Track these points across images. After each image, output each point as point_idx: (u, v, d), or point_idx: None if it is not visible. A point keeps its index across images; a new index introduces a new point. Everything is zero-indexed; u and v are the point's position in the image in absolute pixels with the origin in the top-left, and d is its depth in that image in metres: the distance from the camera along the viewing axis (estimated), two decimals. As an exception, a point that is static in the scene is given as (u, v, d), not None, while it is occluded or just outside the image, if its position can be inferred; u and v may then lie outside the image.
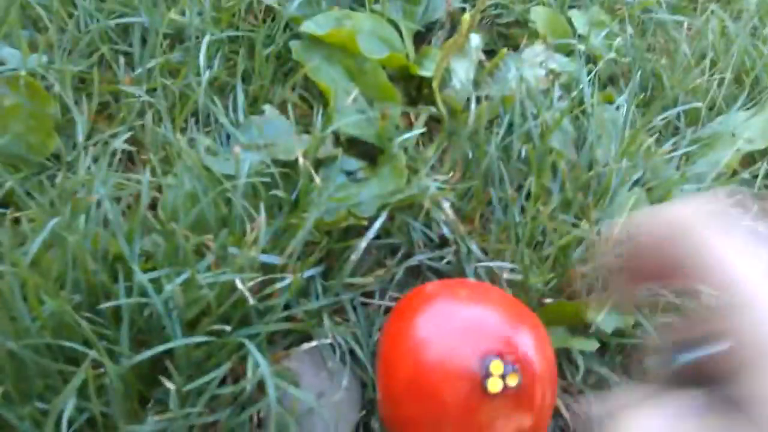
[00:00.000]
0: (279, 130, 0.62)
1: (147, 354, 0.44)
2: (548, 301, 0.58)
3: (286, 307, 0.53)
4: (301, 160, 0.55)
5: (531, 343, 0.49)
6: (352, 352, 0.56)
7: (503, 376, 0.46)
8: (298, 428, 0.49)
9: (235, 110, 0.65)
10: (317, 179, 0.55)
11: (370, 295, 0.60)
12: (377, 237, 0.58)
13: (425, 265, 0.60)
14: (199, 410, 0.44)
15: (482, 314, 0.50)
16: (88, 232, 0.48)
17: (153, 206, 0.56)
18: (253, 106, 0.66)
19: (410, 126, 0.68)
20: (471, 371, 0.46)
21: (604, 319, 0.58)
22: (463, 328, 0.48)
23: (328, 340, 0.53)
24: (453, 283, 0.55)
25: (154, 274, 0.48)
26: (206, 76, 0.61)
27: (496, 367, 0.46)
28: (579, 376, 0.56)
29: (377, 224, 0.55)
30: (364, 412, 0.55)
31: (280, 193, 0.55)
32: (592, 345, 0.57)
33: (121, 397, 0.43)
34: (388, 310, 0.59)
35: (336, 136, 0.64)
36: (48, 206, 0.51)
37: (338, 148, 0.63)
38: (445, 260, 0.59)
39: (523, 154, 0.65)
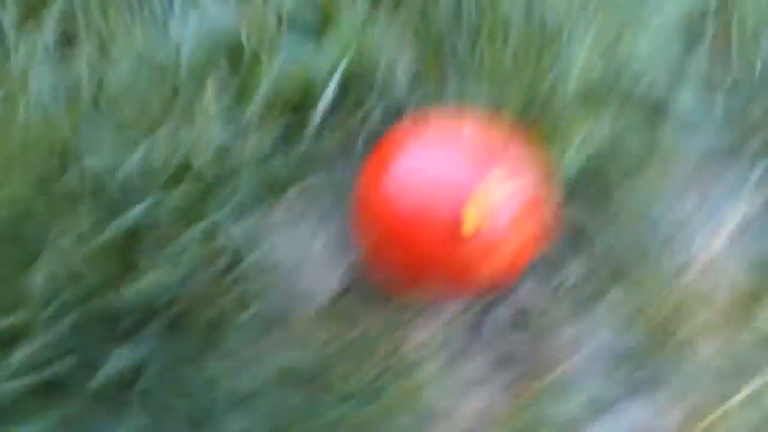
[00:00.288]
0: (219, 13, 0.60)
1: (112, 230, 0.44)
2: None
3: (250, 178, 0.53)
4: (243, 35, 0.54)
5: (504, 185, 0.50)
6: (326, 215, 0.56)
7: (477, 218, 0.47)
8: (280, 288, 0.50)
9: (170, -3, 0.62)
10: (264, 51, 0.53)
11: (338, 158, 0.59)
12: (334, 104, 0.58)
13: (389, 122, 0.59)
14: (185, 270, 0.44)
15: (454, 158, 0.50)
16: (30, 123, 0.47)
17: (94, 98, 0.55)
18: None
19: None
20: (446, 216, 0.47)
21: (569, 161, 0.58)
22: (435, 174, 0.49)
23: (299, 206, 0.53)
24: (424, 126, 0.54)
25: (105, 159, 0.47)
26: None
27: (471, 209, 0.46)
28: (551, 214, 0.57)
29: (332, 86, 0.55)
30: (346, 269, 0.56)
31: (224, 70, 0.54)
32: (562, 188, 0.58)
33: (96, 273, 0.43)
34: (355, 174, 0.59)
35: (278, 11, 0.62)
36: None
37: (280, 25, 0.61)
38: (407, 113, 0.59)
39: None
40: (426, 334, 0.54)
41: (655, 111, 0.67)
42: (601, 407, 0.52)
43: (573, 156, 0.60)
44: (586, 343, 0.55)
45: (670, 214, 0.63)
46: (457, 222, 0.46)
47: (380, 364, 0.53)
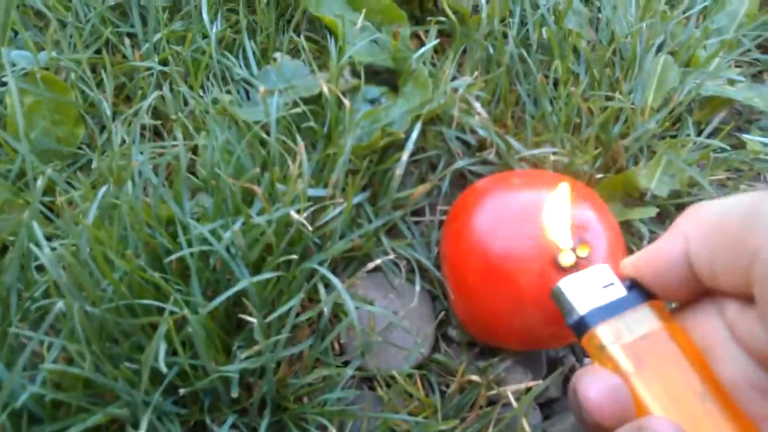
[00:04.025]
0: (295, 72, 0.62)
1: (222, 297, 0.44)
2: (599, 177, 0.57)
3: (341, 236, 0.53)
4: (325, 89, 0.55)
5: (593, 215, 0.49)
6: (413, 270, 0.56)
7: (573, 249, 0.46)
8: (377, 346, 0.50)
9: (247, 65, 0.65)
10: (347, 103, 0.54)
11: (419, 213, 0.60)
12: (414, 154, 0.58)
13: (468, 171, 0.60)
14: (286, 335, 0.44)
15: (540, 196, 0.49)
16: (137, 199, 0.48)
17: (191, 171, 0.56)
18: (264, 57, 0.66)
19: (421, 46, 0.68)
20: (542, 250, 0.46)
21: (657, 185, 0.57)
22: (523, 212, 0.48)
23: (391, 257, 0.52)
24: (503, 174, 0.55)
25: (210, 227, 0.48)
26: (214, 33, 0.61)
27: (567, 240, 0.46)
28: (644, 243, 0.55)
29: (413, 136, 0.55)
30: (437, 324, 0.55)
31: (312, 124, 0.55)
32: (651, 211, 0.56)
33: (205, 344, 0.43)
34: (440, 225, 0.59)
35: (352, 68, 0.63)
36: (90, 187, 0.52)
37: (357, 79, 0.62)
38: (487, 162, 0.59)
39: (542, 43, 0.64)
40: (525, 383, 0.52)
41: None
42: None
43: (661, 179, 0.59)
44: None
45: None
46: (554, 254, 0.45)
47: (481, 418, 0.51)
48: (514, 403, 0.50)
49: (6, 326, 0.44)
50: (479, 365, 0.53)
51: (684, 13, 0.68)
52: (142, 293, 0.44)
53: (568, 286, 0.35)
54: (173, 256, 0.46)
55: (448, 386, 0.53)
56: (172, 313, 0.42)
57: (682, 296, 0.33)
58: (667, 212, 0.59)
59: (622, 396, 0.29)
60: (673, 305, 0.35)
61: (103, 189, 0.46)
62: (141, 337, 0.43)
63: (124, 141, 0.57)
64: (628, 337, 0.32)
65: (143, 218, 0.48)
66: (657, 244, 0.33)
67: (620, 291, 0.34)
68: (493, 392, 0.51)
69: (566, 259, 0.45)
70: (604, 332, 0.32)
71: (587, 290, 0.34)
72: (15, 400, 0.40)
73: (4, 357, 0.43)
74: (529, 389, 0.51)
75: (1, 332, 0.44)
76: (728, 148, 0.62)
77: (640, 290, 0.33)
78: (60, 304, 0.40)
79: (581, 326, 0.34)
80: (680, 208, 0.60)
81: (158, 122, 0.60)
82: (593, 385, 0.30)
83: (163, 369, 0.38)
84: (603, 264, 0.36)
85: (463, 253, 0.50)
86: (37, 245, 0.42)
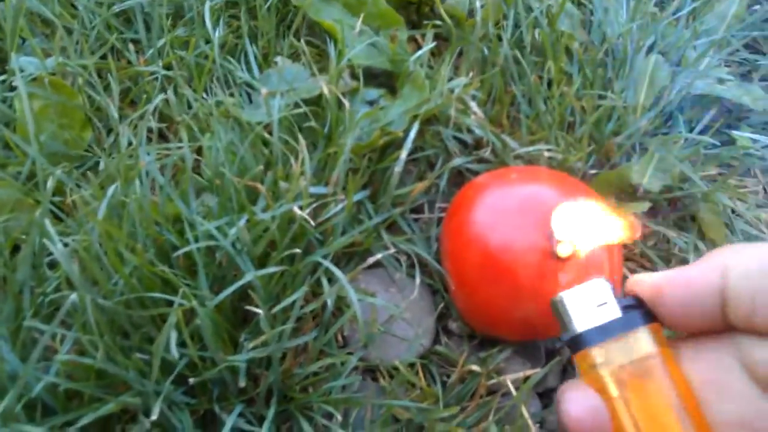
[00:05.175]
0: (296, 76, 0.64)
1: (230, 289, 0.46)
2: (592, 173, 0.59)
3: (343, 232, 0.55)
4: (326, 90, 0.57)
5: (592, 206, 0.50)
6: (413, 265, 0.57)
7: (571, 239, 0.47)
8: (379, 338, 0.51)
9: (249, 69, 0.66)
10: (347, 104, 0.56)
11: (418, 210, 0.61)
12: (413, 153, 0.60)
13: (465, 168, 0.61)
14: (291, 326, 0.45)
15: (537, 190, 0.51)
16: (144, 197, 0.50)
17: (195, 171, 0.58)
18: (265, 61, 0.67)
19: (418, 49, 0.69)
20: (539, 242, 0.47)
21: (649, 180, 0.59)
22: (522, 206, 0.50)
23: (391, 251, 0.54)
24: (501, 171, 0.56)
25: (215, 224, 0.50)
26: (217, 38, 0.62)
27: (564, 230, 0.47)
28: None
29: (411, 135, 0.57)
30: (437, 317, 0.56)
31: (313, 124, 0.56)
32: (644, 206, 0.58)
33: (213, 335, 0.45)
34: (439, 221, 0.60)
35: (351, 71, 0.65)
36: (99, 187, 0.53)
37: (356, 81, 0.64)
38: (483, 160, 0.61)
39: (536, 45, 0.66)
40: (523, 372, 0.54)
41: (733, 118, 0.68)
42: None
43: (653, 175, 0.60)
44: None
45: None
46: (550, 245, 0.47)
47: (481, 407, 0.52)
48: (514, 392, 0.52)
49: (20, 321, 0.45)
50: (479, 356, 0.54)
51: (674, 14, 0.70)
52: (151, 287, 0.46)
53: (567, 300, 0.35)
54: (181, 251, 0.47)
55: (449, 377, 0.54)
56: (181, 305, 0.43)
57: (700, 328, 0.32)
58: (660, 206, 0.60)
59: (602, 418, 0.30)
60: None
61: (113, 187, 0.47)
62: (151, 328, 0.45)
63: (130, 143, 0.59)
64: (619, 361, 0.31)
65: (151, 215, 0.49)
66: (686, 274, 0.31)
67: (619, 311, 0.33)
68: (493, 382, 0.53)
69: (564, 250, 0.47)
70: (598, 353, 0.32)
71: (586, 307, 0.34)
72: (30, 392, 0.42)
73: (18, 351, 0.44)
74: (527, 378, 0.52)
75: (15, 327, 0.45)
76: (718, 144, 0.64)
77: (640, 311, 0.33)
78: (73, 297, 0.42)
79: (576, 344, 0.33)
80: (672, 202, 0.61)
81: (163, 125, 0.62)
82: (576, 402, 0.30)
83: (175, 356, 0.40)
84: (603, 279, 0.35)
85: (463, 246, 0.51)
86: (50, 241, 0.44)
